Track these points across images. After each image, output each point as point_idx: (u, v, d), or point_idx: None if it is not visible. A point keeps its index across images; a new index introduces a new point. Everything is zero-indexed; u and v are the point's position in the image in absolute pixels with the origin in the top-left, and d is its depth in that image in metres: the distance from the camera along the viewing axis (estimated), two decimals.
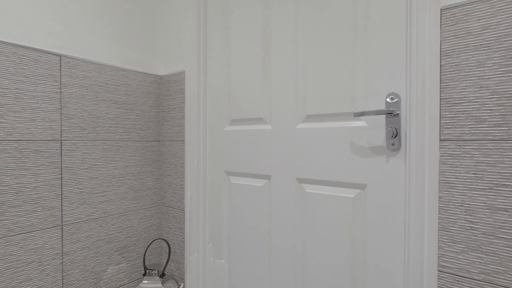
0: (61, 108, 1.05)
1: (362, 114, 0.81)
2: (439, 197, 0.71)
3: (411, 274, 0.75)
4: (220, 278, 1.20)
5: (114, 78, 1.20)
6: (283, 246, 1.02)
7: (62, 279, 1.06)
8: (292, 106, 1.00)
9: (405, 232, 0.78)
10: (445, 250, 0.70)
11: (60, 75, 1.05)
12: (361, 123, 0.87)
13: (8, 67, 0.93)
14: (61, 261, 1.05)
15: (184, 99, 1.27)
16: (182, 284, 1.24)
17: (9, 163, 0.93)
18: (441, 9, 0.70)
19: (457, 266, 0.69)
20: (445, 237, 0.70)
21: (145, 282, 1.16)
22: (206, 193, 1.26)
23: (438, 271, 0.71)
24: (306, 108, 0.97)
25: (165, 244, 1.37)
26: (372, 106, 0.84)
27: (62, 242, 1.06)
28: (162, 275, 1.18)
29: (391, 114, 0.79)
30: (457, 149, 0.69)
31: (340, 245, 0.90)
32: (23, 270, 0.97)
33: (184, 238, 1.27)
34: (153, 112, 1.35)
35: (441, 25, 0.70)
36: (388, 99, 0.81)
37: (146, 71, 1.32)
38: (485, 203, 0.66)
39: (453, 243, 0.69)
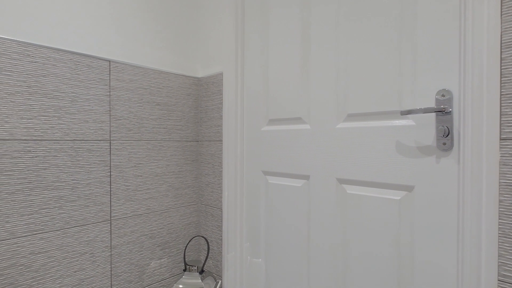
0: (110, 110, 1.12)
1: (409, 112, 0.77)
2: (500, 201, 0.65)
3: (465, 283, 0.70)
4: (257, 277, 1.21)
5: (157, 81, 1.26)
6: (322, 247, 1.00)
7: (111, 270, 1.13)
8: (332, 105, 0.98)
9: (458, 238, 0.73)
10: (506, 258, 0.65)
11: (109, 79, 1.12)
12: (407, 121, 0.83)
13: (65, 72, 1.01)
14: (109, 253, 1.12)
15: (222, 100, 1.30)
16: (220, 281, 1.27)
17: (66, 161, 1.01)
18: None
19: None
20: (507, 244, 0.65)
21: (186, 277, 1.19)
22: (244, 192, 1.27)
23: (499, 281, 0.66)
24: (347, 107, 0.94)
25: (203, 241, 1.41)
26: (420, 104, 0.80)
27: (110, 236, 1.13)
28: (201, 272, 1.22)
29: (442, 112, 0.75)
30: None
31: (384, 249, 0.86)
32: (77, 260, 1.04)
33: (222, 236, 1.30)
34: (192, 113, 1.39)
35: (501, 14, 0.65)
36: (438, 96, 0.76)
37: (186, 74, 1.37)
38: None
39: None
